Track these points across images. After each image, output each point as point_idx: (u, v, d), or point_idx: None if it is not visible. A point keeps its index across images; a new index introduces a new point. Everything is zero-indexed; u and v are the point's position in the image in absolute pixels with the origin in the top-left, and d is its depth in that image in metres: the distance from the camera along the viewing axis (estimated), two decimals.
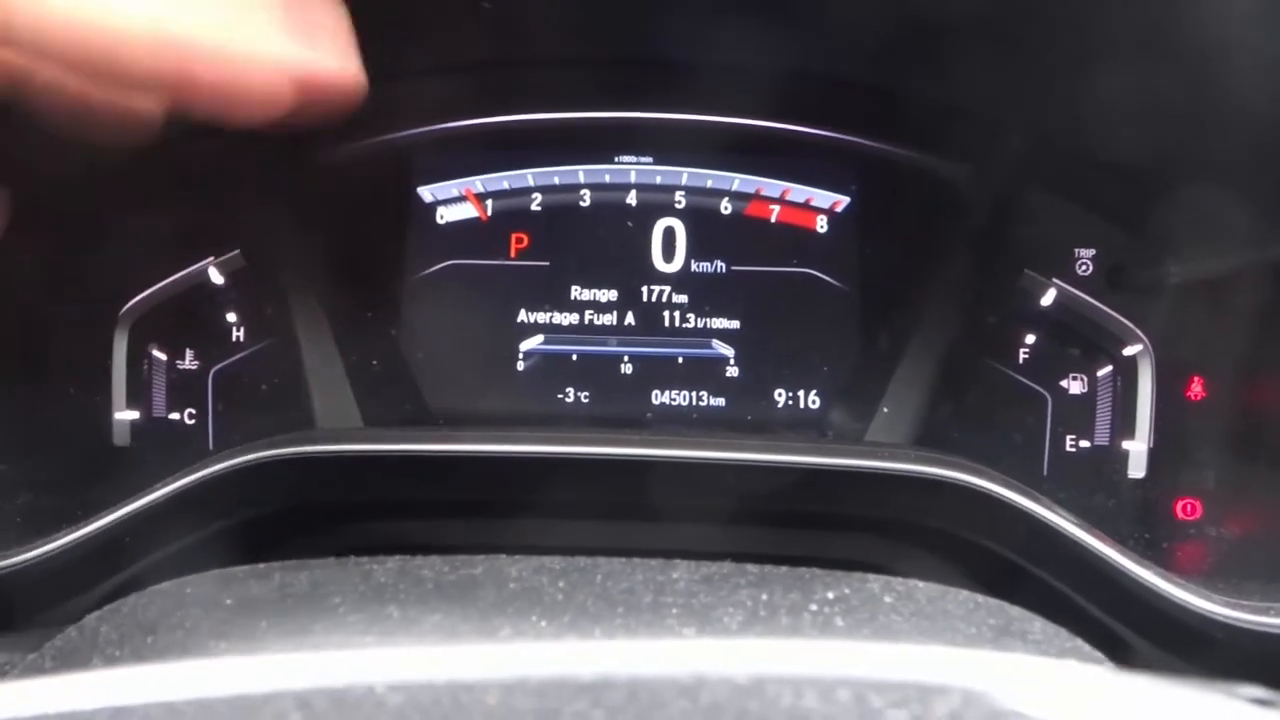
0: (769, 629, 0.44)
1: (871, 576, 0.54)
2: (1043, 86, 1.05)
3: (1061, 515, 0.81)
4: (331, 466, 0.83)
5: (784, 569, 0.55)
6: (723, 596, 0.48)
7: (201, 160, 1.15)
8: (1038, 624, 0.52)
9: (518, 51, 1.15)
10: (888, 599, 0.50)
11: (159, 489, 0.84)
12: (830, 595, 0.49)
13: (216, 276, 1.17)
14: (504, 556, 0.55)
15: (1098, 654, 0.53)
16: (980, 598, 0.55)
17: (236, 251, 1.17)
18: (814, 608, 0.47)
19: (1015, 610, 0.54)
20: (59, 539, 0.80)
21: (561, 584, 0.49)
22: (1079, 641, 0.53)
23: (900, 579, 0.55)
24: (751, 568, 0.54)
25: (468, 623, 0.45)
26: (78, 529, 0.80)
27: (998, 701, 0.27)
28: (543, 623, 0.44)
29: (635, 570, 0.52)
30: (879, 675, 0.29)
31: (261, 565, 0.56)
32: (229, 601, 0.49)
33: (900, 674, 0.29)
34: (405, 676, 0.29)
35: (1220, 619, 0.73)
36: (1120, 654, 0.80)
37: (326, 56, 0.43)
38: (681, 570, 0.52)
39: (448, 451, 0.84)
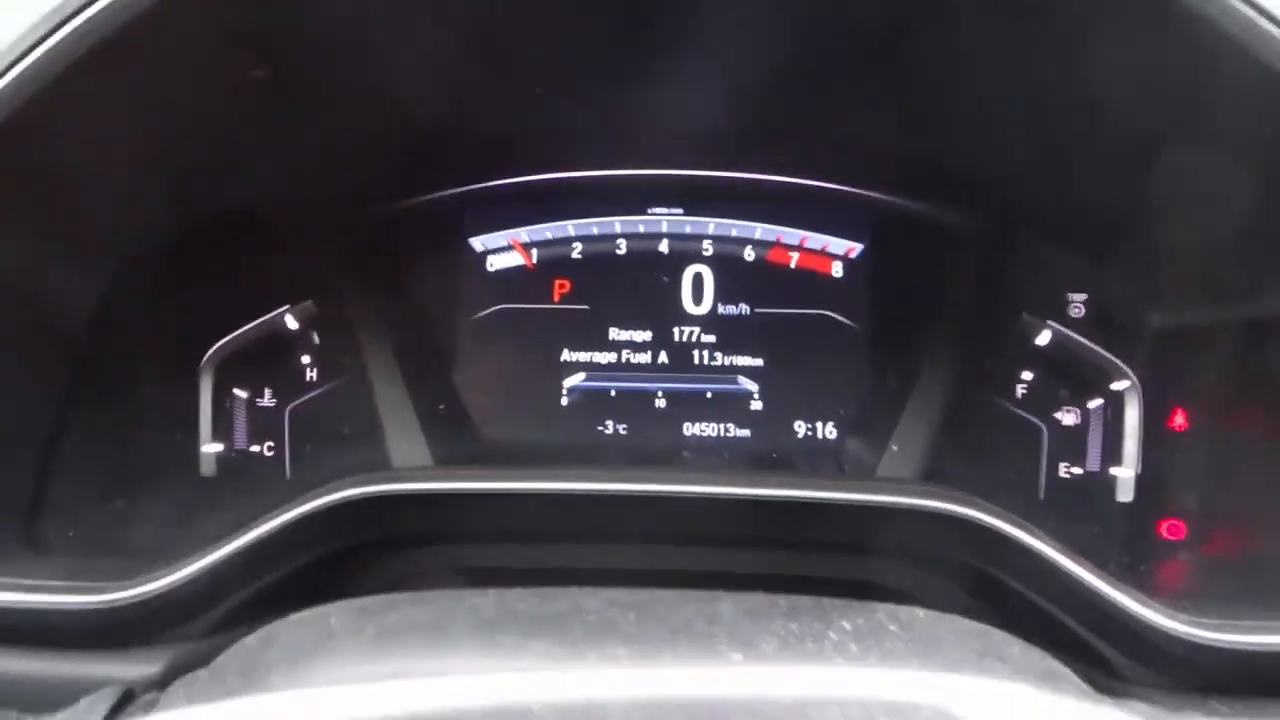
0: (798, 653, 0.57)
1: (880, 606, 0.67)
2: (1033, 147, 1.16)
3: (1046, 543, 0.93)
4: (417, 502, 0.96)
5: (809, 600, 0.67)
6: (761, 626, 0.60)
7: (276, 219, 1.29)
8: (1017, 646, 0.64)
9: (559, 120, 1.28)
10: (892, 627, 0.62)
11: (266, 522, 0.96)
12: (846, 625, 0.61)
13: (292, 323, 1.31)
14: (580, 590, 0.68)
15: (1068, 672, 0.66)
16: (969, 623, 0.67)
17: (309, 301, 1.31)
18: (833, 635, 0.59)
19: (998, 634, 0.67)
20: (186, 567, 0.92)
21: (632, 616, 0.62)
22: (1051, 661, 0.65)
23: (904, 608, 0.67)
24: (783, 600, 0.67)
25: (563, 649, 0.57)
26: (201, 558, 0.93)
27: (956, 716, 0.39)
28: (621, 650, 0.57)
29: (689, 603, 0.65)
30: (862, 695, 0.42)
31: (383, 598, 0.69)
32: (370, 629, 0.61)
33: (881, 694, 0.41)
34: (549, 697, 0.42)
35: (1180, 635, 0.84)
36: (1102, 668, 0.92)
37: None
38: (726, 603, 0.65)
39: (517, 489, 0.96)
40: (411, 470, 1.13)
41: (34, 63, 0.88)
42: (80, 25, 0.87)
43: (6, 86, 0.87)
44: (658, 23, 1.08)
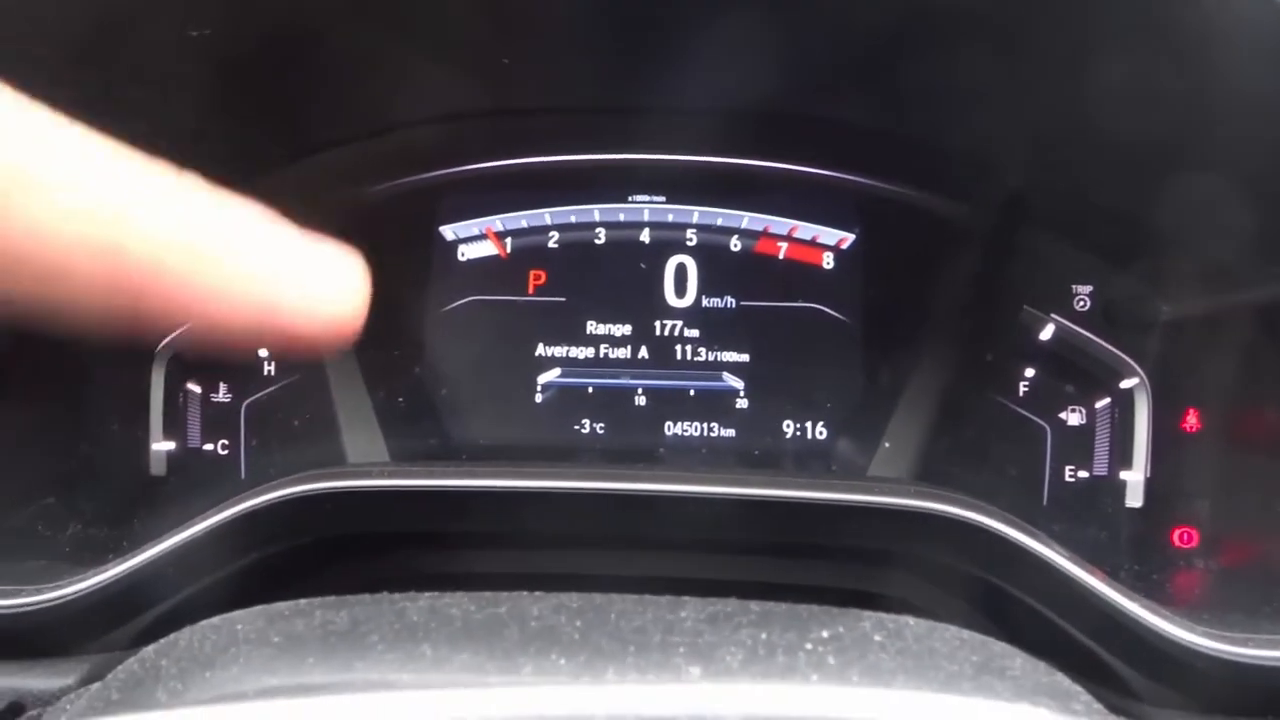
0: (766, 668, 0.49)
1: (865, 614, 0.59)
2: (1034, 132, 1.09)
3: (1050, 547, 0.85)
4: (364, 501, 0.89)
5: (784, 607, 0.59)
6: (725, 636, 0.52)
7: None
8: (1018, 660, 0.56)
9: (534, 100, 1.21)
10: (877, 637, 0.54)
11: (199, 522, 0.89)
12: (825, 634, 0.53)
13: None
14: (526, 594, 0.60)
15: (1076, 688, 0.57)
16: (966, 634, 0.59)
17: None
18: (809, 646, 0.51)
19: (998, 646, 0.59)
20: (108, 570, 0.85)
21: (579, 623, 0.54)
22: (1059, 677, 0.57)
23: (892, 616, 0.59)
24: (754, 605, 0.59)
25: (493, 661, 0.49)
26: (124, 560, 0.86)
27: None
28: (561, 660, 0.49)
29: (646, 609, 0.57)
30: (838, 717, 0.34)
31: (303, 602, 0.61)
32: (277, 639, 0.53)
33: (859, 716, 0.33)
34: (464, 716, 0.34)
35: (1202, 650, 0.76)
36: (1110, 682, 0.84)
37: (302, 309, 0.41)
38: (689, 609, 0.57)
39: (471, 487, 0.89)
40: (358, 467, 1.05)
41: None
42: None
43: None
44: None
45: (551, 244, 1.29)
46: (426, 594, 0.61)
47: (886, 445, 1.12)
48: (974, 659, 0.54)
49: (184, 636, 0.59)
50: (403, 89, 1.17)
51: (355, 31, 1.03)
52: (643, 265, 1.28)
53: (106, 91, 0.96)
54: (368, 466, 1.06)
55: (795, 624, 0.55)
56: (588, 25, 1.07)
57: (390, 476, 0.90)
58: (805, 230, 1.28)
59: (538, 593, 0.61)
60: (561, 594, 0.60)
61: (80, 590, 0.83)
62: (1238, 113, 0.92)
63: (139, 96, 1.00)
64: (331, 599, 0.61)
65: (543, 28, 1.07)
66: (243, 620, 0.58)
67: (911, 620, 0.59)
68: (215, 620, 0.60)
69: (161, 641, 0.60)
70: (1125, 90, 0.96)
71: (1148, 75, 0.92)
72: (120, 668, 0.58)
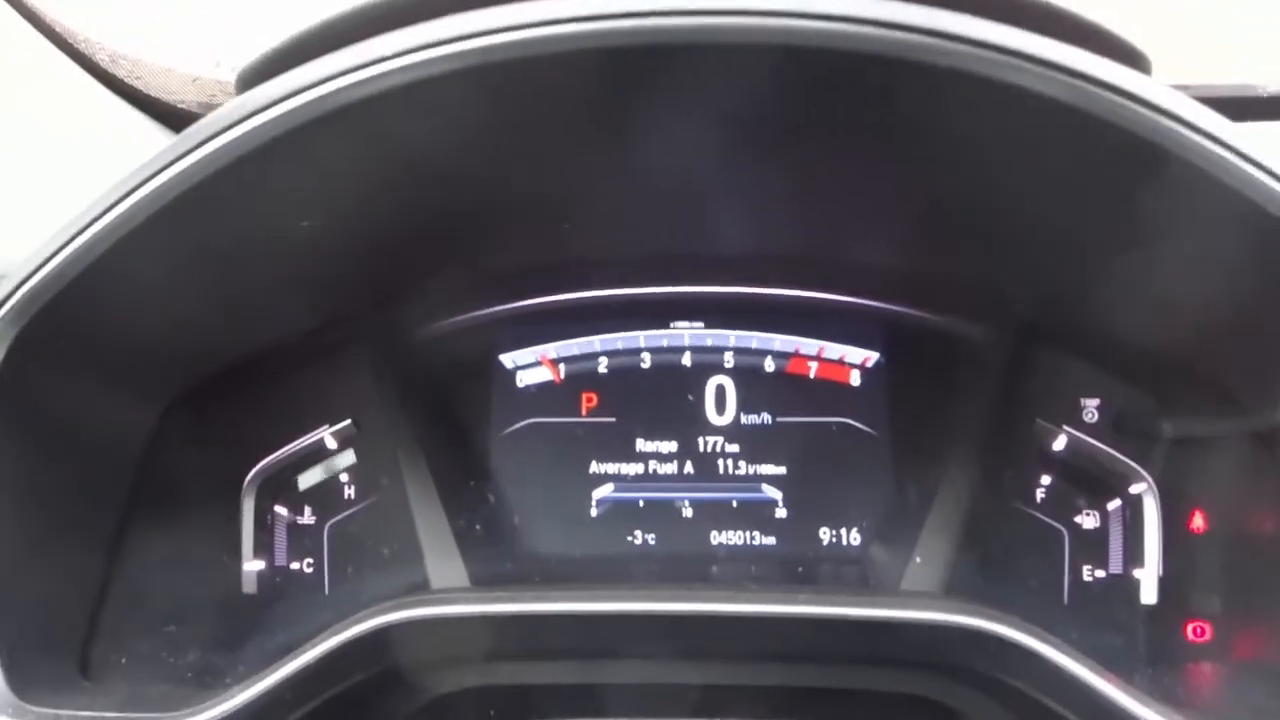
0: None
1: None
2: (1037, 270, 1.21)
3: (1071, 656, 0.95)
4: (455, 625, 1.00)
5: None
6: None
7: (317, 345, 1.36)
8: None
9: (590, 251, 1.34)
10: None
11: (309, 649, 1.00)
12: None
13: (331, 443, 1.36)
14: None
15: None
16: None
17: (349, 421, 1.36)
18: None
19: None
20: (234, 697, 0.96)
21: None
22: None
23: None
24: None
25: None
26: (248, 687, 0.97)
27: None
28: None
29: None
30: None
31: None
32: None
33: None
34: None
35: None
36: None
37: None
38: None
39: (552, 611, 1.00)
40: (449, 593, 1.16)
41: (111, 221, 0.95)
42: (155, 187, 0.94)
43: (88, 240, 0.95)
44: (680, 165, 1.13)
45: (601, 369, 1.41)
46: None
47: (918, 560, 1.22)
48: None
49: None
50: (467, 240, 1.31)
51: (433, 208, 1.17)
52: (685, 386, 1.40)
53: (221, 263, 1.11)
54: (454, 593, 1.17)
55: None
56: (636, 198, 1.21)
57: (476, 603, 1.01)
58: (833, 350, 1.39)
59: None
60: None
61: (213, 717, 0.94)
62: (1227, 257, 1.01)
63: (244, 273, 1.15)
64: None
65: (600, 205, 1.21)
66: None
67: None
68: None
69: None
70: (1121, 233, 1.07)
71: (1143, 220, 1.02)
72: None
